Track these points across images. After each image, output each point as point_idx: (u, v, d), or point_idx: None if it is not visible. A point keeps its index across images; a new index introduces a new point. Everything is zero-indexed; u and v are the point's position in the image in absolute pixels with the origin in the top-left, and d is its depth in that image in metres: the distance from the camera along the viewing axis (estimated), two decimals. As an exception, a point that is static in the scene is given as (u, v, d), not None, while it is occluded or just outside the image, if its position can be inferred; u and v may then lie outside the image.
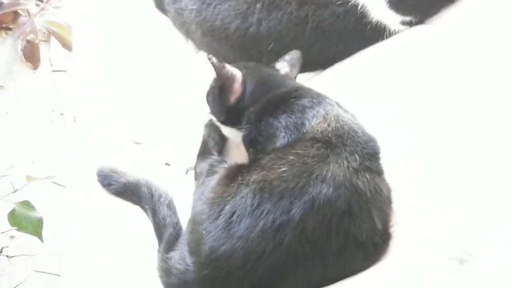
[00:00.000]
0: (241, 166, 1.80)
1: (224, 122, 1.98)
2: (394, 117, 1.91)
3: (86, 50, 2.15)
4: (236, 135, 1.94)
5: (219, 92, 1.92)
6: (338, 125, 1.75)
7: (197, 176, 1.97)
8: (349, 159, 1.76)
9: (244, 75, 1.89)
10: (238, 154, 1.95)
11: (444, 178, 1.82)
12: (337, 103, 1.83)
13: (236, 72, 1.88)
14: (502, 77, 1.95)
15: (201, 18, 2.09)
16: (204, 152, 2.03)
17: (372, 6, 2.02)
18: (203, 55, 1.95)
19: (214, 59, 1.89)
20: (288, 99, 1.88)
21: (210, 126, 2.02)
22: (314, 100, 1.87)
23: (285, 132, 1.85)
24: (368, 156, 1.79)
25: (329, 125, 1.78)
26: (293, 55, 1.91)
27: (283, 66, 1.91)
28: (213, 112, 1.98)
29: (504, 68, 1.95)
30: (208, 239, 1.75)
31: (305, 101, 1.88)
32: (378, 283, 1.74)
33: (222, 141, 2.03)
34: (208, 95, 1.97)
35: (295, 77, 1.92)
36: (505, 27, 2.05)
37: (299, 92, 1.87)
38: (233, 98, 1.90)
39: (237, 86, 1.88)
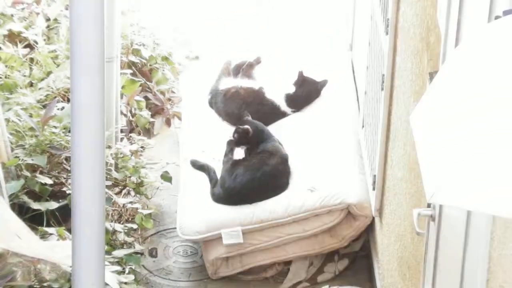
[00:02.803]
0: (239, 160, 4.73)
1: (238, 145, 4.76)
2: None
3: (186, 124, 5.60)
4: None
5: (244, 137, 4.73)
6: (276, 148, 4.88)
7: (223, 163, 4.74)
8: (277, 160, 4.73)
9: (249, 127, 4.67)
10: (239, 154, 4.75)
11: (311, 162, 5.00)
12: (278, 140, 4.80)
13: (246, 128, 4.73)
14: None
15: (223, 110, 5.11)
16: (226, 154, 4.72)
17: (282, 105, 5.07)
18: (236, 127, 4.70)
19: (240, 128, 4.62)
20: (265, 139, 4.85)
21: (230, 144, 4.76)
22: (272, 140, 4.73)
23: (261, 148, 4.69)
24: (284, 159, 4.64)
25: (274, 147, 4.91)
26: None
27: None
28: (238, 143, 4.63)
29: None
30: (227, 183, 4.53)
31: (270, 140, 4.71)
32: (281, 199, 4.52)
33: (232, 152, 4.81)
34: (237, 140, 4.64)
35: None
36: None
37: (268, 136, 4.84)
38: (248, 136, 4.62)
39: (247, 129, 4.63)
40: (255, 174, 4.54)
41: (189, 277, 4.57)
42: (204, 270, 4.54)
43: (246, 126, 4.57)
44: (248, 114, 4.78)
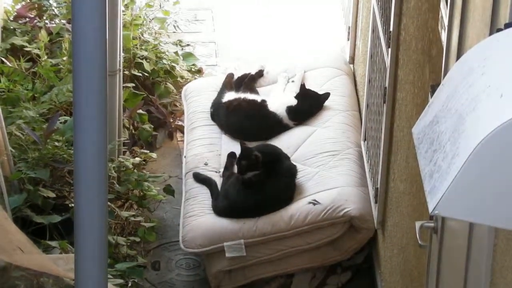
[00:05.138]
0: (239, 176, 4.67)
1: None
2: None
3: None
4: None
5: (250, 161, 4.58)
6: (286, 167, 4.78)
7: (223, 177, 4.78)
8: (284, 175, 4.66)
9: (258, 152, 4.53)
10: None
11: (315, 176, 5.18)
12: (287, 156, 4.84)
13: (255, 151, 4.51)
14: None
15: (226, 123, 5.22)
16: (225, 169, 4.80)
17: (284, 117, 5.11)
18: (243, 147, 4.61)
19: (245, 145, 4.56)
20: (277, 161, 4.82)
21: (230, 158, 4.89)
22: (284, 158, 4.69)
23: (276, 171, 4.59)
24: (292, 175, 4.64)
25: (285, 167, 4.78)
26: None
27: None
28: (244, 167, 4.54)
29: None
30: (232, 196, 4.55)
31: (282, 160, 4.67)
32: (283, 212, 4.64)
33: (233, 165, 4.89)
34: (243, 165, 4.54)
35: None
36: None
37: (277, 156, 4.82)
38: (258, 160, 4.51)
39: (258, 156, 4.59)
40: (261, 188, 4.57)
41: (192, 290, 4.65)
42: (207, 283, 4.62)
43: (256, 153, 4.54)
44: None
